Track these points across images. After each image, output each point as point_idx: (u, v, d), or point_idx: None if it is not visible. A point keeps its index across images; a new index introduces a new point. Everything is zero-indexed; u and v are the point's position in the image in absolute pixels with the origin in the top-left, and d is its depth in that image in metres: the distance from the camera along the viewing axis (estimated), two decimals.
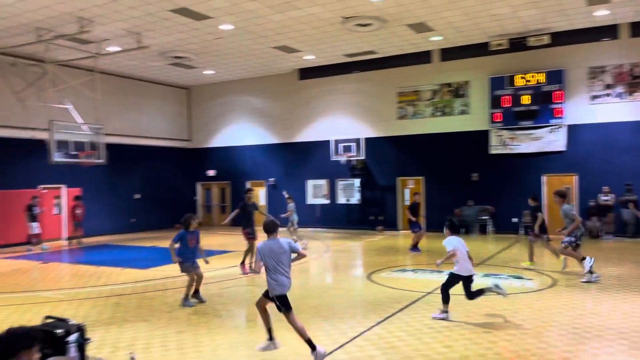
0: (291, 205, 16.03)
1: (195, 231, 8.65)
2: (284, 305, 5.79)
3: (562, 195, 9.77)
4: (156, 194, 21.99)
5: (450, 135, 18.44)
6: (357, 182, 20.11)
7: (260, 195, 22.29)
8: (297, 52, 18.13)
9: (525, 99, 17.18)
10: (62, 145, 15.40)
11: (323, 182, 21.02)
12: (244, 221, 11.57)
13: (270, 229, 5.95)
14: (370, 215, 19.88)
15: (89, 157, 16.03)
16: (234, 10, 13.63)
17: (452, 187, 18.40)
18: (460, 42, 17.45)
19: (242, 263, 11.40)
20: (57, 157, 15.17)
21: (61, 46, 15.95)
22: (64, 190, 18.50)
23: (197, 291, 8.63)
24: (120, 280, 10.76)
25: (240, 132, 22.78)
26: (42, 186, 17.67)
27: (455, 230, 7.36)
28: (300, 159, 21.38)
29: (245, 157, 22.69)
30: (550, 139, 16.95)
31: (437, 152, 18.72)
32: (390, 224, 19.49)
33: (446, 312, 7.15)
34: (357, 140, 19.57)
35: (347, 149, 19.70)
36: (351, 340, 6.37)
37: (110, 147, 17.42)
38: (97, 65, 17.17)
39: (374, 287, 9.56)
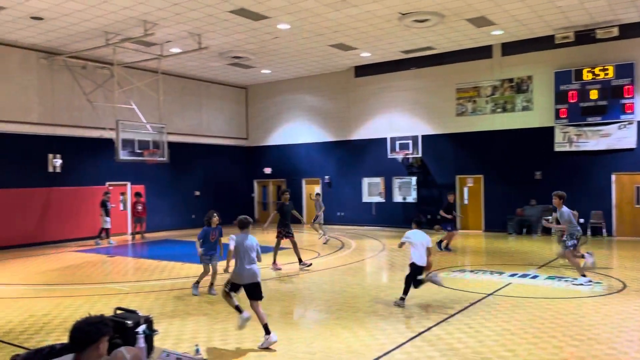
0: (319, 202, 16.88)
1: (217, 227, 9.21)
2: (258, 292, 6.47)
3: (561, 198, 9.86)
4: (215, 191, 22.57)
5: (511, 132, 17.85)
6: (413, 180, 19.85)
7: (314, 191, 22.44)
8: (353, 49, 18.08)
9: (593, 94, 16.37)
10: (128, 143, 16.10)
11: (379, 180, 20.88)
12: (280, 220, 11.67)
13: (243, 226, 6.61)
14: (427, 214, 19.54)
15: (153, 155, 16.66)
16: (291, 9, 13.75)
17: (513, 185, 17.81)
18: (523, 35, 16.85)
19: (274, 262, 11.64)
20: (123, 155, 15.87)
21: (127, 49, 16.64)
22: (128, 187, 19.30)
23: (211, 284, 9.19)
24: (182, 275, 11.11)
25: (296, 130, 22.99)
26: (109, 183, 18.51)
27: (419, 226, 8.33)
28: (356, 157, 21.34)
29: (301, 155, 22.88)
30: (620, 136, 16.07)
31: (497, 150, 18.19)
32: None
33: (403, 299, 8.00)
34: (414, 138, 19.30)
35: (404, 147, 19.47)
36: (409, 340, 6.29)
37: (171, 145, 18.05)
38: (160, 67, 17.82)
39: (432, 287, 9.37)
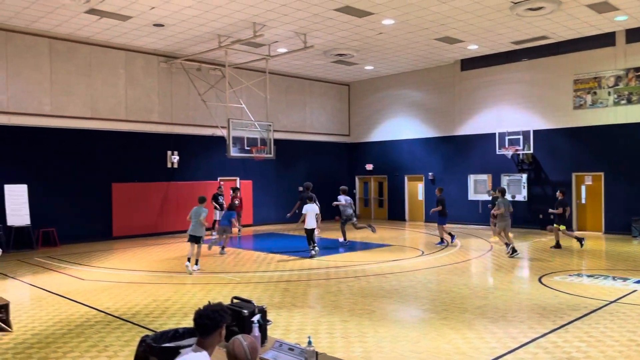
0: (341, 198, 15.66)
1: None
2: (198, 240, 11.05)
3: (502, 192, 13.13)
4: (318, 187, 22.96)
5: (637, 125, 16.30)
6: (524, 177, 18.83)
7: (419, 189, 22.11)
8: (460, 42, 17.51)
9: None
10: (237, 141, 16.91)
11: (486, 177, 20.08)
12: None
13: (201, 201, 11.33)
14: (539, 214, 18.47)
15: (260, 152, 17.34)
16: (395, 4, 13.61)
17: (639, 184, 16.26)
18: None
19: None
20: (234, 152, 16.68)
21: (237, 50, 17.45)
22: (237, 182, 20.27)
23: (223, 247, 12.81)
24: (288, 268, 11.47)
25: (398, 126, 22.74)
26: (220, 178, 19.56)
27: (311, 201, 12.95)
28: (462, 153, 20.67)
29: (403, 151, 22.60)
30: None
31: (620, 145, 16.68)
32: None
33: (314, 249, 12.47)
34: (526, 133, 18.29)
35: (514, 142, 18.52)
36: (522, 345, 5.99)
37: (277, 142, 18.67)
38: (267, 67, 18.49)
39: (546, 291, 8.88)
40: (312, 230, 12.88)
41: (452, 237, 15.11)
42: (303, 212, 13.08)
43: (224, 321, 3.12)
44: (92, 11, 13.70)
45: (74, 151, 16.18)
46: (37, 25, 14.89)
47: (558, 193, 14.20)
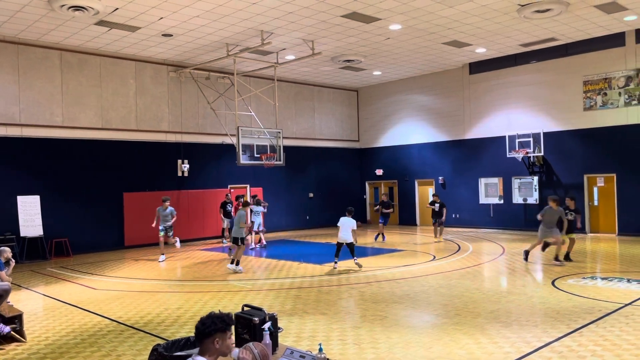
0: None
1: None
2: (236, 241, 11.84)
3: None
4: (328, 193, 23.01)
5: None
6: (535, 180, 18.69)
7: (429, 192, 22.02)
8: (467, 46, 17.47)
9: None
10: (247, 148, 16.96)
11: (497, 181, 19.95)
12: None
13: (164, 200, 13.05)
14: None
15: (270, 159, 17.39)
16: (402, 9, 13.63)
17: None
18: None
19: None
20: (244, 160, 16.74)
21: (245, 59, 17.55)
22: (248, 190, 20.32)
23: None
24: (299, 274, 11.45)
25: (407, 130, 22.70)
26: (230, 186, 19.63)
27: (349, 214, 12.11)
28: (472, 157, 20.57)
29: (413, 155, 22.55)
30: None
31: (632, 146, 16.51)
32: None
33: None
34: (536, 135, 18.17)
35: (524, 145, 18.40)
36: (536, 350, 5.93)
37: (286, 149, 18.72)
38: (275, 74, 18.57)
39: (560, 294, 8.78)
40: (341, 244, 11.86)
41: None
42: (338, 224, 12.02)
43: (219, 329, 3.13)
44: (101, 23, 13.86)
45: (85, 161, 16.33)
46: (47, 38, 15.09)
47: (569, 200, 12.85)
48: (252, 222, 16.23)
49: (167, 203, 14.37)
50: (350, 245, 11.79)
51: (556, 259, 11.85)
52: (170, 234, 14.40)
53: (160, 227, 14.28)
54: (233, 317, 3.31)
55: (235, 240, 12.07)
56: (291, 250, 15.88)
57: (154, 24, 14.12)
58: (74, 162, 16.09)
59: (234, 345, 3.26)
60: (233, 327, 3.28)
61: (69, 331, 7.34)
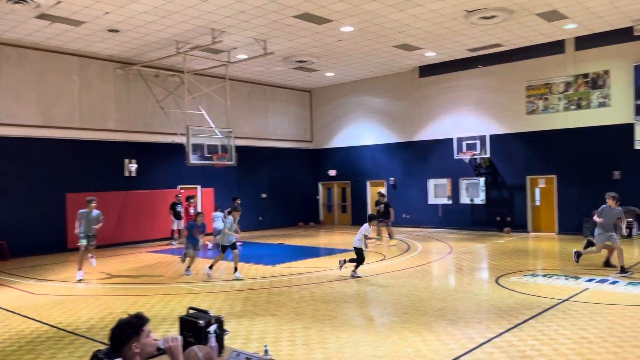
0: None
1: (202, 224, 11.97)
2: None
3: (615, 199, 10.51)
4: (281, 194, 22.93)
5: (586, 130, 16.94)
6: (482, 181, 19.28)
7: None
8: (417, 49, 17.83)
9: None
10: (197, 148, 16.67)
11: (445, 182, 20.45)
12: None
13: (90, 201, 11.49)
14: (496, 216, 18.95)
15: (221, 159, 17.16)
16: (354, 12, 13.76)
17: (589, 186, 16.85)
18: (598, 28, 15.96)
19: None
20: (194, 160, 16.45)
21: (196, 57, 17.26)
22: (199, 190, 19.98)
23: (188, 267, 11.68)
24: (250, 276, 11.36)
25: (360, 132, 22.95)
26: (180, 186, 19.23)
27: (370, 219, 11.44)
28: (421, 158, 21.00)
29: (365, 156, 22.81)
30: None
31: (571, 149, 17.31)
32: (519, 226, 18.40)
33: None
34: (482, 138, 18.74)
35: (471, 147, 18.94)
36: (479, 346, 6.11)
37: (239, 149, 18.53)
38: (227, 73, 18.35)
39: (503, 291, 9.09)
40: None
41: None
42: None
43: (131, 334, 2.96)
44: (43, 16, 13.29)
45: (25, 160, 15.61)
46: None
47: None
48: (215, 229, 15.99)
49: (94, 204, 11.78)
50: (357, 251, 10.96)
51: (622, 270, 10.07)
52: (93, 243, 11.87)
53: (82, 235, 11.52)
54: (143, 315, 3.15)
55: (224, 249, 11.10)
56: (243, 252, 15.71)
57: (99, 19, 13.67)
58: (12, 160, 15.36)
59: (156, 340, 3.12)
60: (148, 324, 3.11)
61: (6, 338, 6.99)
